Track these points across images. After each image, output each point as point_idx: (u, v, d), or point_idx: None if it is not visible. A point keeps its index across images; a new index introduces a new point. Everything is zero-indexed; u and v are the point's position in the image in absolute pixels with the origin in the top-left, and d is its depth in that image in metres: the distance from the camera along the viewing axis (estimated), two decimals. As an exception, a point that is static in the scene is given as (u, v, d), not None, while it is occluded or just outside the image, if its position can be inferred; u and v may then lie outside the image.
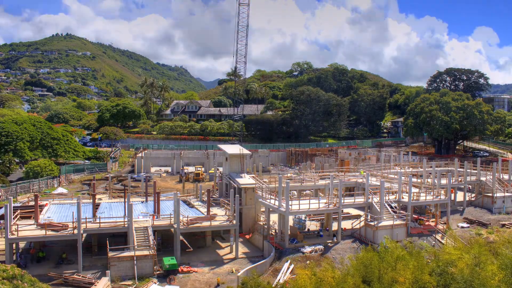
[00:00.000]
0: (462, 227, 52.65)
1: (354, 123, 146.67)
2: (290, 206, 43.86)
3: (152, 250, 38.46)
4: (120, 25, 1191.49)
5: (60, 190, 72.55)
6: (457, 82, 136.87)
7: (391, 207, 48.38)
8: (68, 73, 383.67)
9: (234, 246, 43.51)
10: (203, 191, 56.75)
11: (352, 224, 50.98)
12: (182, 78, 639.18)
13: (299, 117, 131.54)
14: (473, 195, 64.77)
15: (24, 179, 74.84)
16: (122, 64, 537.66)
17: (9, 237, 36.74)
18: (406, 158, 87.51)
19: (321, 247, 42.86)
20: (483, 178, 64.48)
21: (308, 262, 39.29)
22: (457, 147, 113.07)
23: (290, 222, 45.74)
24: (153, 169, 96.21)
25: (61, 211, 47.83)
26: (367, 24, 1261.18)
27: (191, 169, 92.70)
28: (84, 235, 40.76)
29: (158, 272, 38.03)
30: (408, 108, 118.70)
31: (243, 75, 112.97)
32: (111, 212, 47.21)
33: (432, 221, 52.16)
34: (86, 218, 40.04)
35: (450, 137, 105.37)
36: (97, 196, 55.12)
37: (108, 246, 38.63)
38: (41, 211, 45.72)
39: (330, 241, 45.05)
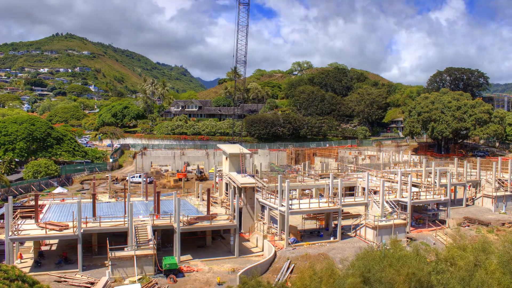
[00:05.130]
0: (462, 226, 52.67)
1: (354, 122, 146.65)
2: (290, 206, 43.90)
3: (152, 250, 38.54)
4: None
5: (60, 189, 72.64)
6: (457, 82, 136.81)
7: (391, 206, 48.45)
8: (68, 73, 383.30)
9: (234, 245, 43.54)
10: (203, 191, 56.78)
11: (352, 223, 51.01)
12: (182, 78, 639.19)
13: (299, 116, 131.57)
14: (473, 194, 64.87)
15: (24, 179, 74.92)
16: (122, 64, 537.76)
17: (9, 236, 36.82)
18: (406, 157, 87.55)
19: (321, 245, 42.90)
20: (483, 178, 64.59)
21: (308, 261, 39.31)
22: (457, 147, 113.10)
23: (291, 221, 45.77)
24: (153, 168, 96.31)
25: (61, 210, 47.89)
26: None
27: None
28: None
29: (158, 271, 38.07)
30: (408, 107, 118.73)
31: (243, 74, 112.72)
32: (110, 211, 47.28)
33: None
34: (86, 218, 40.11)
35: (450, 137, 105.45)
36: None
37: (108, 245, 38.67)
38: (41, 211, 45.79)
39: (330, 240, 45.12)
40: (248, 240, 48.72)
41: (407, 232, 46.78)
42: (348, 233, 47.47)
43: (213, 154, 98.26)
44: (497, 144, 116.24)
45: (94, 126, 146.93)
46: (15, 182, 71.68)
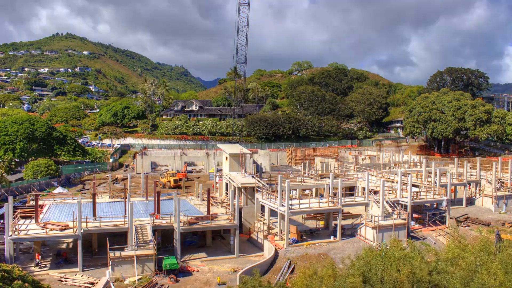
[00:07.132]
0: (462, 226, 52.65)
1: (355, 122, 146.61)
2: (290, 206, 43.88)
3: (152, 250, 38.53)
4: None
5: (60, 189, 72.62)
6: (457, 82, 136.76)
7: (391, 206, 48.42)
8: (68, 73, 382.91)
9: (234, 245, 43.53)
10: (203, 191, 56.76)
11: (352, 223, 51.04)
12: (182, 78, 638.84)
13: (299, 116, 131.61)
14: (473, 194, 64.86)
15: (24, 179, 74.92)
16: (122, 64, 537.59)
17: (9, 236, 36.81)
18: (406, 157, 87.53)
19: (321, 245, 42.87)
20: (483, 178, 64.55)
21: (308, 261, 39.30)
22: (457, 146, 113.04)
23: (291, 221, 45.75)
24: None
25: (62, 210, 47.88)
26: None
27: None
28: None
29: (159, 271, 38.07)
30: (409, 107, 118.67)
31: (243, 74, 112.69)
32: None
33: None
34: (86, 218, 40.09)
35: (450, 136, 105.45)
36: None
37: (108, 245, 38.66)
38: (41, 211, 45.78)
39: (330, 240, 45.09)
40: (248, 240, 48.72)
41: (408, 232, 46.74)
42: (348, 234, 47.42)
43: (213, 154, 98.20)
44: (497, 144, 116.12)
45: (94, 126, 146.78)
46: (15, 182, 71.70)
